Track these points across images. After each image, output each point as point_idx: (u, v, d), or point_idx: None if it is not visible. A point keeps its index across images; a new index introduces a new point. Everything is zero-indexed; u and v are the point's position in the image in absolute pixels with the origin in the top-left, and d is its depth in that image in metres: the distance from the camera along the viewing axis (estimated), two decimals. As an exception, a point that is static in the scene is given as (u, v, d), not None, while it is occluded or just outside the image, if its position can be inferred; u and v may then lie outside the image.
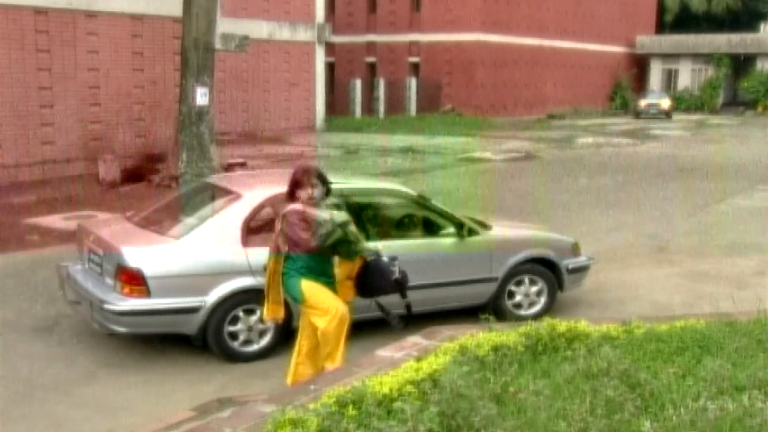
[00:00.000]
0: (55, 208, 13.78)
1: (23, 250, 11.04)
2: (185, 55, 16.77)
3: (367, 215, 7.45)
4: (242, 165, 18.63)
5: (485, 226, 7.94)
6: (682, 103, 47.90)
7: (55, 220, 12.74)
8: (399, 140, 26.59)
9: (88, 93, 17.84)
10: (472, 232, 7.64)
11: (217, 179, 8.85)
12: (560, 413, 3.40)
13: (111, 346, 7.19)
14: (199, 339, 6.78)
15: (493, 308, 7.66)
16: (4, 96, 16.19)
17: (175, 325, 6.75)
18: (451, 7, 38.92)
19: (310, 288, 5.53)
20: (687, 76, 50.91)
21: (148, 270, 6.49)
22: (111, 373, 6.58)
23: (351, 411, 3.30)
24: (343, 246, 5.52)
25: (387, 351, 4.21)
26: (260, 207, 7.04)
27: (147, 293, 6.49)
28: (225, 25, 20.49)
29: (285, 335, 6.72)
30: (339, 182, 6.94)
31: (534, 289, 8.04)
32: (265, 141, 25.34)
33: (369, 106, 37.29)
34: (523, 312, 7.91)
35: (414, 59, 40.45)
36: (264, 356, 6.78)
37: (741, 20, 55.26)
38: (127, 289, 6.53)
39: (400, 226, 7.79)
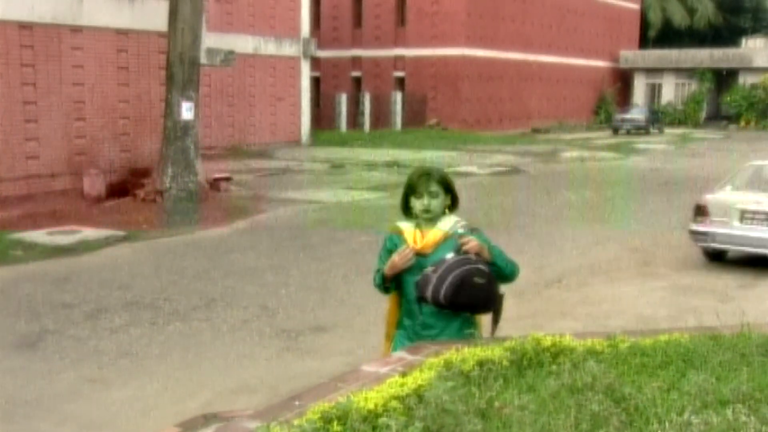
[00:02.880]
0: (39, 223, 13.70)
1: (6, 265, 10.97)
2: (170, 70, 16.80)
3: None
4: (228, 179, 18.62)
5: None
6: (666, 117, 48.19)
7: (39, 236, 12.67)
8: (384, 154, 26.64)
9: (72, 107, 17.79)
10: None
11: None
12: (545, 428, 3.40)
13: (95, 361, 7.15)
14: None
15: None
16: (-12, 110, 16.13)
17: None
18: (436, 22, 39.12)
19: None
20: (670, 91, 51.28)
21: None
22: (95, 389, 6.53)
23: (336, 427, 3.28)
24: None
25: (372, 366, 4.19)
26: None
27: None
28: (210, 40, 20.51)
29: None
30: None
31: None
32: (251, 155, 25.34)
33: (354, 120, 37.39)
34: None
35: (399, 74, 40.61)
36: None
37: (723, 35, 55.85)
38: None
39: None
